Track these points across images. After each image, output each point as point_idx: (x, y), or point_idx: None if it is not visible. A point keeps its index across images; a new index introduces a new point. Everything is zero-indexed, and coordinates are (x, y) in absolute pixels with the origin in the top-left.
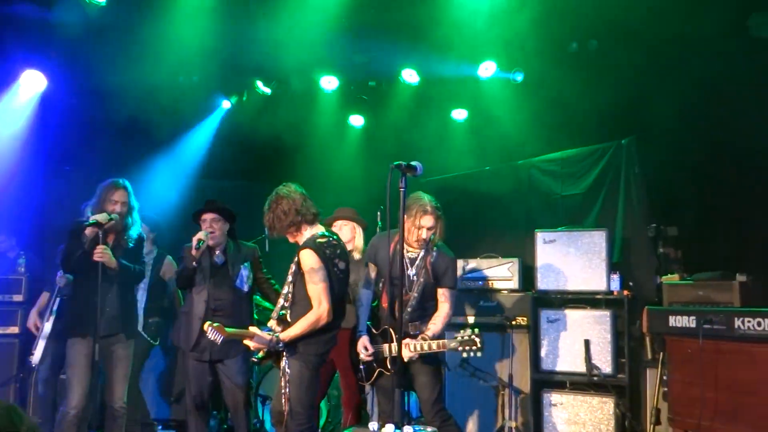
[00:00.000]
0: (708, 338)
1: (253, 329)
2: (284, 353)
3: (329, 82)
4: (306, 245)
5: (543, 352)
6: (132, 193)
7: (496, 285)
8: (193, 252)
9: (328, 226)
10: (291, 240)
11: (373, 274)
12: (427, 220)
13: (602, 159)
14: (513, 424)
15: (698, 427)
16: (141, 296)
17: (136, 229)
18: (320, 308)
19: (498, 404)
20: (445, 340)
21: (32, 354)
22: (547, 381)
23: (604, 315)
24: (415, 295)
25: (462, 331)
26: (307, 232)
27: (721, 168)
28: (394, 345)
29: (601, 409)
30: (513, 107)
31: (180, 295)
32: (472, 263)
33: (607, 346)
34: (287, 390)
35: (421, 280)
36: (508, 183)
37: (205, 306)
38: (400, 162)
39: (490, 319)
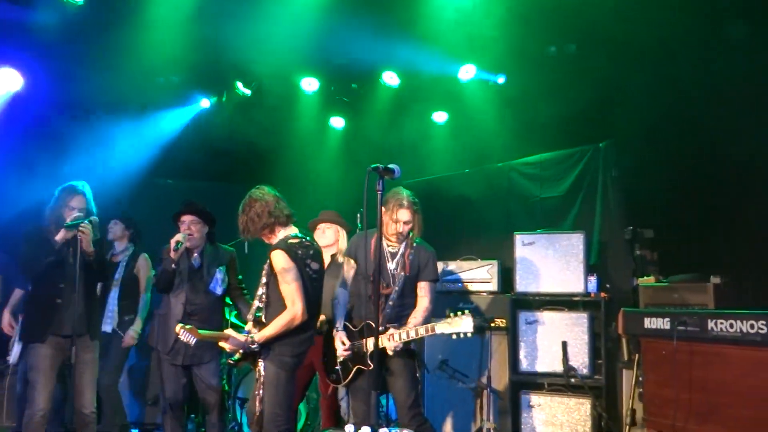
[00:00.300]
0: (682, 340)
1: (228, 331)
2: (259, 355)
3: (309, 84)
4: (277, 246)
5: (521, 354)
6: (91, 198)
7: (475, 287)
8: (171, 254)
9: (312, 228)
10: (266, 241)
11: (351, 273)
12: (403, 214)
13: (580, 162)
14: (491, 426)
15: (672, 427)
16: (113, 293)
17: (94, 234)
18: (294, 308)
19: (476, 405)
20: (433, 324)
21: (9, 354)
22: (525, 382)
23: (582, 317)
24: (396, 288)
25: (452, 314)
26: (281, 234)
27: (695, 171)
28: (369, 341)
29: (578, 410)
30: (493, 110)
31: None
32: (452, 265)
33: (584, 348)
34: (261, 392)
35: (402, 273)
36: (487, 185)
37: (183, 309)
38: (378, 165)
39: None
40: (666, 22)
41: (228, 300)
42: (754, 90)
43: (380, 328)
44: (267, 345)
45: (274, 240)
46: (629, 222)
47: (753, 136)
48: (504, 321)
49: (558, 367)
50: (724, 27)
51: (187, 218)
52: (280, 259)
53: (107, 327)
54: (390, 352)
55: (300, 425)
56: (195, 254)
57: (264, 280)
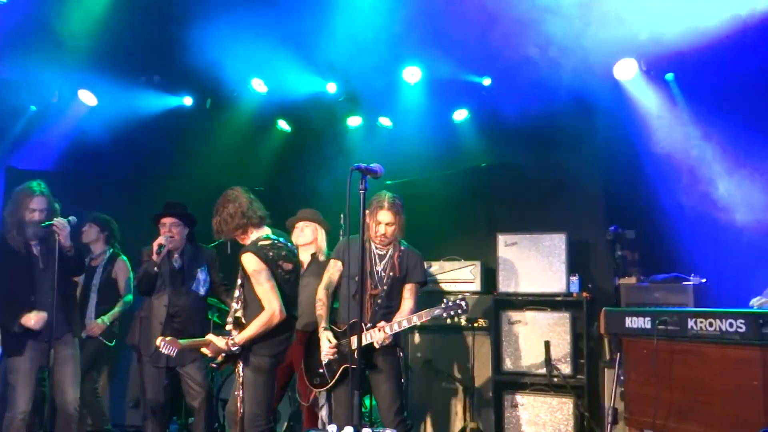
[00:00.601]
0: (662, 339)
1: (209, 337)
2: (239, 356)
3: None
4: (247, 249)
5: (504, 354)
6: (51, 197)
7: (458, 287)
8: (154, 257)
9: (290, 227)
10: (240, 242)
11: (336, 275)
12: (384, 216)
13: (563, 162)
14: (474, 425)
15: (653, 425)
16: (92, 300)
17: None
18: (271, 307)
19: (459, 405)
20: (427, 310)
21: None
22: (508, 382)
23: (564, 316)
24: (385, 288)
25: (446, 299)
26: (254, 235)
27: (675, 172)
28: (365, 334)
29: (561, 409)
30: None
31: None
32: (435, 266)
33: (566, 348)
34: (241, 392)
35: (390, 274)
36: (470, 186)
37: (165, 310)
38: (360, 164)
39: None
40: None
41: (210, 301)
42: None
43: (368, 325)
44: (245, 346)
45: (248, 241)
46: (611, 222)
47: None
48: (487, 321)
49: (541, 367)
50: None
51: (167, 220)
52: (250, 262)
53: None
54: (377, 345)
55: (283, 428)
56: (176, 255)
57: (239, 281)
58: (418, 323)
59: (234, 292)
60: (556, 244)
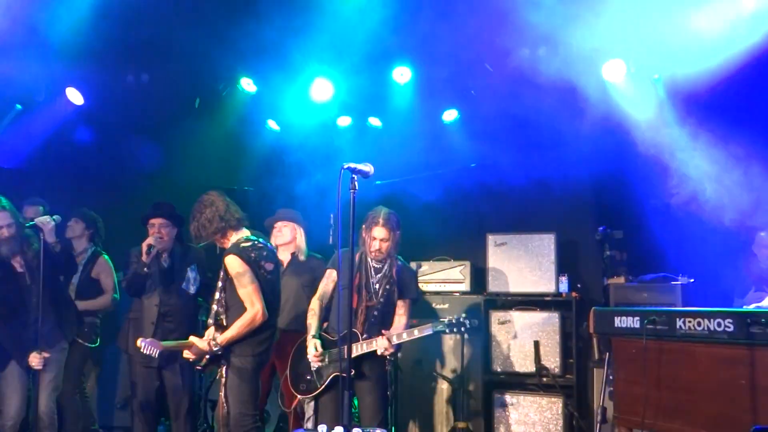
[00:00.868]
0: (651, 338)
1: (191, 339)
2: (222, 357)
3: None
4: (229, 251)
5: (494, 354)
6: (14, 210)
7: (448, 287)
8: (144, 258)
9: (268, 227)
10: (219, 246)
11: (331, 285)
12: (379, 231)
13: (552, 163)
14: (464, 425)
15: (642, 424)
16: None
17: (36, 241)
18: (254, 308)
19: (449, 405)
20: (431, 324)
21: None
22: (497, 382)
23: (553, 316)
24: (381, 300)
25: (449, 317)
26: (233, 238)
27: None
28: (361, 345)
29: (550, 408)
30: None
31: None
32: (425, 266)
33: (556, 347)
34: (224, 393)
35: (387, 287)
36: (460, 186)
37: (156, 310)
38: (351, 163)
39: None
40: None
41: (200, 301)
42: None
43: (364, 335)
44: (227, 348)
45: (227, 244)
46: (600, 222)
47: None
48: (476, 321)
49: (530, 367)
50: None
51: (156, 221)
52: (234, 264)
53: None
54: (379, 352)
55: (273, 428)
56: (165, 255)
57: (221, 284)
58: (419, 336)
59: (215, 294)
60: (545, 244)
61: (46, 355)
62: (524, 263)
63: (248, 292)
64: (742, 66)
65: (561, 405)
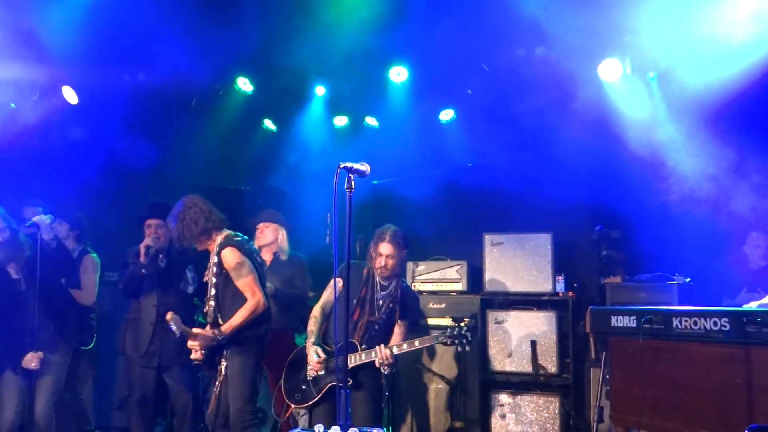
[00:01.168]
0: (648, 337)
1: (195, 330)
2: (223, 352)
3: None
4: (226, 244)
5: (490, 353)
6: (6, 216)
7: (445, 287)
8: (142, 259)
9: (251, 227)
10: (200, 248)
11: (332, 296)
12: (385, 248)
13: (548, 162)
14: (461, 425)
15: (638, 423)
16: None
17: (29, 244)
18: (255, 297)
19: (446, 405)
20: (431, 336)
21: None
22: (494, 381)
23: (550, 316)
24: (383, 316)
25: (452, 325)
26: (219, 238)
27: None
28: (360, 355)
29: (547, 408)
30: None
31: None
32: (422, 265)
33: (552, 347)
34: (220, 391)
35: (390, 306)
36: (456, 185)
37: (155, 310)
38: (347, 162)
39: (438, 320)
40: None
41: (195, 302)
42: None
43: (363, 347)
44: (228, 343)
45: (213, 245)
46: (596, 222)
47: None
48: (473, 320)
49: (527, 367)
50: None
51: (153, 222)
52: (232, 256)
53: None
54: (378, 363)
55: (269, 428)
56: (161, 256)
57: (214, 280)
58: (420, 347)
59: (208, 292)
60: (542, 243)
61: (41, 354)
62: (521, 263)
63: (248, 282)
64: (741, 66)
65: (558, 404)
